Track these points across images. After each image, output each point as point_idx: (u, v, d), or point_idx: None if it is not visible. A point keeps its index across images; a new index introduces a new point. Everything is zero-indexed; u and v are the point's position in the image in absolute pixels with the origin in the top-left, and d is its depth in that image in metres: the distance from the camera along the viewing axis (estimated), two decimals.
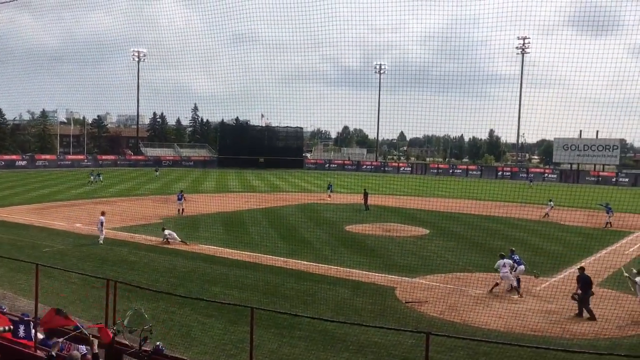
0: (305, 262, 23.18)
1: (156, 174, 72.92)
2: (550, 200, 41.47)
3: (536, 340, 14.42)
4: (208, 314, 16.15)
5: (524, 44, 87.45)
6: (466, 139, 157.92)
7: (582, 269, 17.65)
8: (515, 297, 18.94)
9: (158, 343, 9.68)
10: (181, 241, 26.77)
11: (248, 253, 24.94)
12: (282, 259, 24.03)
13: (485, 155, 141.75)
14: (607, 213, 36.08)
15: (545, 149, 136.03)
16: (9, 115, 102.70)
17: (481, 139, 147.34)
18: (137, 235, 28.48)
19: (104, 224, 26.73)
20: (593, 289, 17.26)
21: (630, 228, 35.19)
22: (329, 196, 51.02)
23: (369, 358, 13.43)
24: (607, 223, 35.74)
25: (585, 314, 16.83)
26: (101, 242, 26.33)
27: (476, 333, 14.92)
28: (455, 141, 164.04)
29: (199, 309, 16.35)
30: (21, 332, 9.52)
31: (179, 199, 37.34)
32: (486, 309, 17.40)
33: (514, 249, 21.35)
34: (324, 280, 20.69)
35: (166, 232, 27.03)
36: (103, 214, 27.17)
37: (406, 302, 18.14)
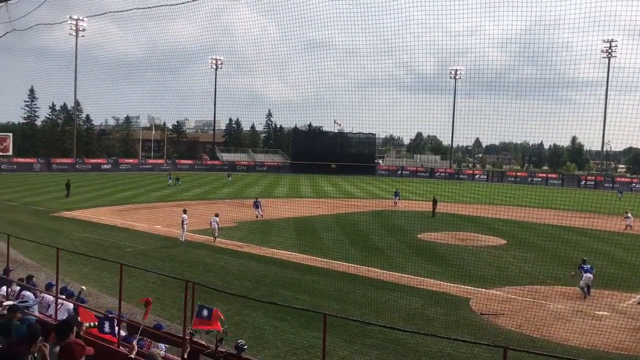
0: (377, 270, 23.00)
1: (229, 179, 74.37)
2: (627, 213, 39.05)
3: (621, 359, 13.61)
4: (280, 317, 16.32)
5: (610, 47, 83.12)
6: (546, 146, 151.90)
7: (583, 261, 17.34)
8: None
9: (240, 341, 9.90)
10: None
11: (320, 259, 25.06)
12: (353, 265, 23.97)
13: (567, 164, 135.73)
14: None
15: (633, 157, 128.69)
16: (96, 121, 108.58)
17: (562, 146, 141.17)
18: (212, 238, 29.27)
19: (186, 221, 28.25)
20: None
21: None
22: (395, 203, 50.13)
23: None
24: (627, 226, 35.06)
25: None
26: (182, 239, 27.84)
27: (556, 349, 14.25)
28: (535, 148, 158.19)
29: (271, 313, 16.56)
30: (107, 328, 9.96)
31: (256, 207, 37.85)
32: (567, 325, 16.60)
33: (585, 258, 21.12)
34: (395, 288, 20.44)
35: (215, 220, 28.78)
36: (185, 212, 28.85)
37: (481, 314, 17.62)
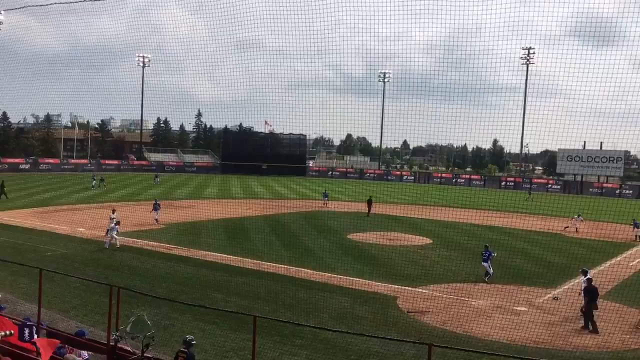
0: (308, 270, 23.15)
1: (156, 180, 71.83)
2: (579, 215, 39.53)
3: (538, 353, 14.36)
4: (210, 320, 16.11)
5: (528, 54, 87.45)
6: (470, 148, 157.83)
7: (589, 280, 17.70)
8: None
9: (188, 336, 10.30)
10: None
11: (250, 260, 24.93)
12: (284, 266, 24.01)
13: (488, 165, 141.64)
14: (636, 228, 36.17)
15: (549, 159, 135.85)
16: (14, 119, 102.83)
17: (485, 149, 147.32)
18: (139, 240, 28.49)
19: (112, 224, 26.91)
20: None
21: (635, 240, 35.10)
22: (325, 204, 50.38)
23: None
24: (636, 236, 35.90)
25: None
26: (117, 244, 26.58)
27: (478, 344, 14.84)
28: (459, 150, 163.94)
29: (200, 316, 16.32)
30: (27, 336, 9.54)
31: (155, 209, 34.73)
32: (488, 320, 17.33)
33: (487, 245, 23.47)
34: (325, 288, 20.65)
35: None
36: (113, 211, 27.85)
37: (408, 312, 18.09)
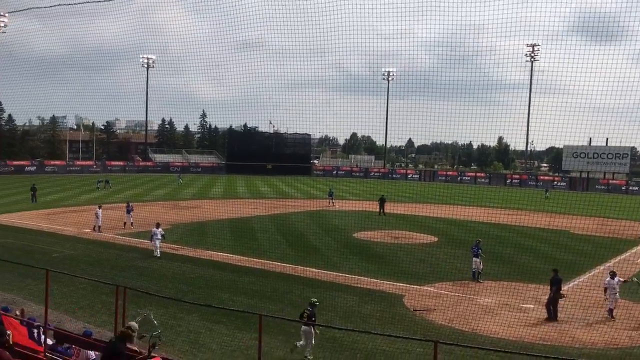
0: (314, 269, 23.15)
1: (179, 181, 71.54)
2: None
3: (545, 350, 14.32)
4: (216, 320, 16.15)
5: (533, 51, 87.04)
6: (475, 146, 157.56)
7: (555, 270, 18.19)
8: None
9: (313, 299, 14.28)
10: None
11: (256, 260, 24.96)
12: (290, 265, 24.03)
13: (494, 163, 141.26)
14: None
15: (554, 156, 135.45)
16: (19, 121, 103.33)
17: (490, 146, 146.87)
18: (145, 241, 28.53)
19: (157, 236, 25.42)
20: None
21: None
22: (330, 203, 49.56)
23: None
24: None
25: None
26: (158, 254, 25.16)
27: (485, 342, 14.82)
28: (464, 148, 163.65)
29: (207, 315, 16.36)
30: (35, 336, 9.61)
31: (128, 212, 33.64)
32: (495, 318, 17.29)
33: (479, 240, 23.56)
34: (332, 287, 20.65)
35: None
36: (158, 226, 25.76)
37: (414, 310, 18.08)
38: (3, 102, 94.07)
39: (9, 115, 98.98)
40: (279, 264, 24.28)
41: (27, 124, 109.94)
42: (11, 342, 7.93)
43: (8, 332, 9.27)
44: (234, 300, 18.25)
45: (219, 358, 13.35)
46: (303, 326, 13.34)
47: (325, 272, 23.03)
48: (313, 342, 13.41)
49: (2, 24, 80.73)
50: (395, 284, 21.18)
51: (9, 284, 19.37)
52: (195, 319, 16.16)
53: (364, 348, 14.35)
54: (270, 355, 12.95)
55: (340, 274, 22.54)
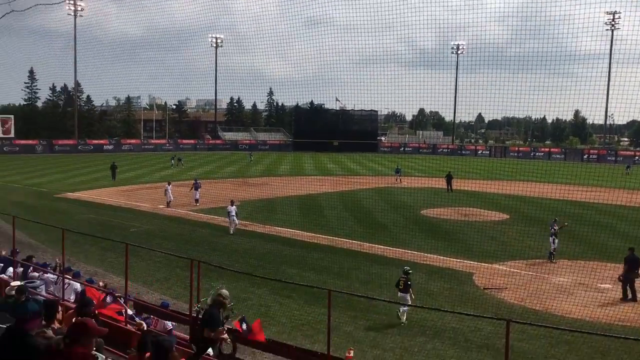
0: (381, 246, 23.12)
1: (250, 158, 73.60)
2: None
3: (624, 331, 13.74)
4: (285, 294, 16.48)
5: (613, 19, 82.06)
6: (549, 120, 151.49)
7: (631, 249, 17.26)
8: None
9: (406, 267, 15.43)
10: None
11: (324, 236, 25.17)
12: (357, 242, 24.09)
13: (570, 138, 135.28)
14: None
15: (636, 130, 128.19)
16: (97, 102, 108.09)
17: (565, 120, 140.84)
18: (217, 217, 29.38)
19: (232, 213, 25.94)
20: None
21: None
22: (398, 180, 49.31)
23: (446, 343, 13.28)
24: None
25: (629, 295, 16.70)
26: (232, 232, 25.73)
27: (559, 322, 14.39)
28: (537, 123, 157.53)
29: (276, 290, 16.72)
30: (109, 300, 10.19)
31: (196, 189, 34.22)
32: (570, 297, 16.71)
33: (556, 218, 22.88)
34: (399, 264, 20.49)
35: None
36: (232, 203, 26.30)
37: (484, 288, 17.75)
38: (82, 84, 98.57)
39: (88, 96, 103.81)
40: (347, 240, 24.40)
41: (104, 105, 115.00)
42: (96, 312, 8.41)
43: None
44: (302, 276, 18.53)
45: (288, 331, 13.63)
46: (399, 293, 14.77)
47: (393, 249, 22.95)
48: (406, 308, 14.36)
49: (80, 8, 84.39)
50: (464, 261, 20.84)
51: (92, 257, 20.53)
52: (265, 293, 16.55)
53: (432, 325, 14.28)
54: (339, 330, 13.09)
55: (407, 251, 22.39)
